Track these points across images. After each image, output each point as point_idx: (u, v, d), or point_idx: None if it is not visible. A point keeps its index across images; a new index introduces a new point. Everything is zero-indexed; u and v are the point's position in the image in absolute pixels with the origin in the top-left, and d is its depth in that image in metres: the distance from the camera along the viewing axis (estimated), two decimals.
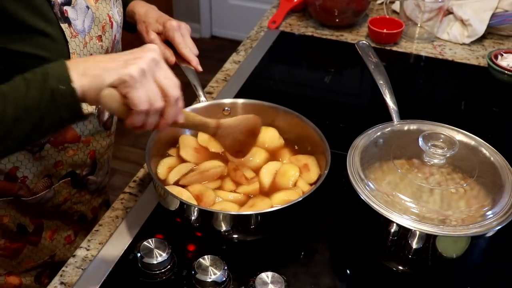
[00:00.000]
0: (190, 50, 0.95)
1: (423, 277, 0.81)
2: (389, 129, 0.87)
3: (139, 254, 0.77)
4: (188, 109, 0.96)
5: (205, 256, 0.76)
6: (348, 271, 0.82)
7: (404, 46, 1.43)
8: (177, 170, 0.89)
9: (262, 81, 1.29)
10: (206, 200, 0.83)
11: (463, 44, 1.43)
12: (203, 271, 0.74)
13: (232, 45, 2.01)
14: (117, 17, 0.89)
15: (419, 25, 1.43)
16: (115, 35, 0.87)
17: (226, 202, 0.84)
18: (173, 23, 0.97)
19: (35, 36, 0.71)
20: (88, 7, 0.79)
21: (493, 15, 1.41)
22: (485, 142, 0.85)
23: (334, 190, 0.87)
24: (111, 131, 0.96)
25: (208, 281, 0.73)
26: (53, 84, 0.60)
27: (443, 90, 1.33)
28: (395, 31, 1.41)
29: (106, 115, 0.91)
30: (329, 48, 1.45)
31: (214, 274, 0.74)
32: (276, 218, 0.79)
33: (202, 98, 0.97)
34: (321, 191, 0.80)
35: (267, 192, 0.87)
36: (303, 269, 0.80)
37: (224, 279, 0.75)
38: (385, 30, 1.41)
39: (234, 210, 0.82)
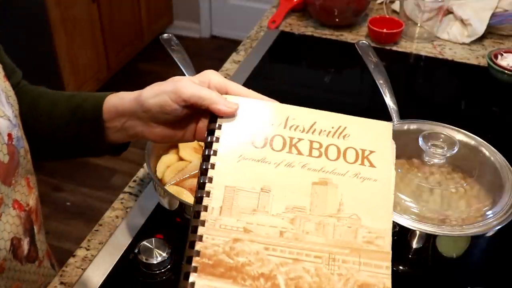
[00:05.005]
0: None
1: (423, 277, 0.81)
2: None
3: (139, 254, 0.77)
4: None
5: None
6: None
7: (404, 46, 1.43)
8: (173, 169, 0.89)
9: (262, 81, 1.29)
10: None
11: (463, 43, 1.43)
12: None
13: (232, 45, 2.01)
14: (6, 109, 0.64)
15: (419, 24, 1.42)
16: (9, 134, 0.63)
17: None
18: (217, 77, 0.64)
19: None
20: None
21: (493, 15, 1.40)
22: (485, 142, 0.84)
23: None
24: None
25: None
26: None
27: (443, 90, 1.33)
28: (395, 30, 1.40)
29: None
30: (329, 48, 1.45)
31: None
32: None
33: None
34: None
35: None
36: None
37: None
38: (385, 30, 1.41)
39: None
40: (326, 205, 0.55)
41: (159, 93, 0.61)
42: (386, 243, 0.54)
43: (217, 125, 0.58)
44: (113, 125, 0.67)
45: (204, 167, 0.56)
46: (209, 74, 0.62)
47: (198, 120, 0.64)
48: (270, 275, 0.51)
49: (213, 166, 0.55)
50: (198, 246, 0.52)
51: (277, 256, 0.52)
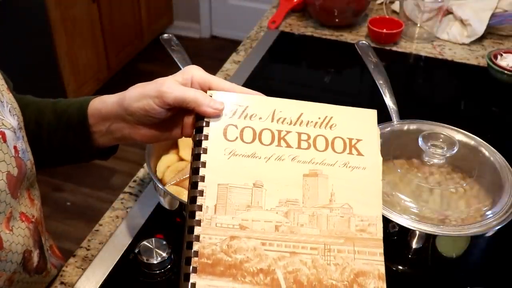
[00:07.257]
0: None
1: (423, 277, 0.81)
2: (388, 129, 0.88)
3: (139, 254, 0.77)
4: None
5: None
6: None
7: (403, 46, 1.43)
8: (173, 169, 0.89)
9: (262, 81, 1.29)
10: None
11: (463, 44, 1.43)
12: None
13: (232, 45, 2.01)
14: (11, 120, 0.62)
15: (418, 25, 1.43)
16: (14, 146, 0.61)
17: None
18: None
19: None
20: None
21: (493, 15, 1.41)
22: (485, 142, 0.85)
23: None
24: None
25: None
26: None
27: (443, 90, 1.33)
28: (394, 31, 1.41)
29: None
30: (329, 48, 1.45)
31: None
32: None
33: None
34: None
35: None
36: None
37: None
38: (384, 30, 1.41)
39: None
40: (318, 196, 0.55)
41: (142, 97, 0.60)
42: (378, 229, 0.55)
43: (204, 123, 0.58)
44: (99, 129, 0.67)
45: (195, 166, 0.56)
46: (192, 70, 0.61)
47: (184, 117, 0.63)
48: (268, 270, 0.52)
49: (204, 165, 0.55)
50: (196, 246, 0.52)
51: (274, 250, 0.53)
